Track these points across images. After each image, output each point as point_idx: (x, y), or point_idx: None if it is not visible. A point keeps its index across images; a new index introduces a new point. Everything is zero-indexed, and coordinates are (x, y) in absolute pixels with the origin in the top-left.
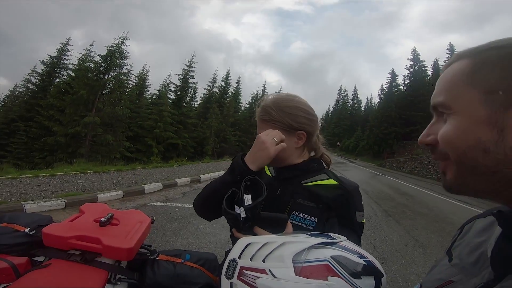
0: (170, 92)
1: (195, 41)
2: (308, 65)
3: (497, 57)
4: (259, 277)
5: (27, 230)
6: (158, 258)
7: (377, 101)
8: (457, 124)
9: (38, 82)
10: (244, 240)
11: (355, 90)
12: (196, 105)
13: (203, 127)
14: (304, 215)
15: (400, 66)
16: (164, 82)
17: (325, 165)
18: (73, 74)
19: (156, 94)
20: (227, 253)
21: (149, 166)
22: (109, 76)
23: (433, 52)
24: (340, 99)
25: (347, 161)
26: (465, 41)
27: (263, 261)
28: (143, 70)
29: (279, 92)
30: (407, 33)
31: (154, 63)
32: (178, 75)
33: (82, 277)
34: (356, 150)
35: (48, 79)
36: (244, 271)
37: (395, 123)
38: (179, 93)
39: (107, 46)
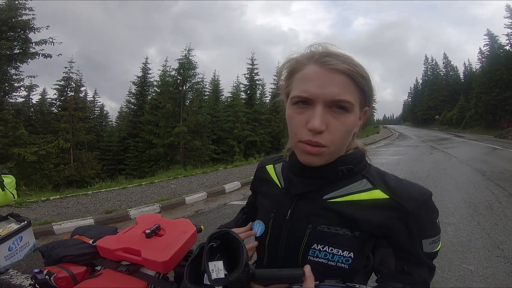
0: (241, 92)
1: (252, 38)
2: (380, 37)
3: None
4: None
5: (91, 241)
6: None
7: (478, 65)
8: None
9: (135, 101)
10: None
11: (445, 57)
12: (267, 101)
13: (276, 121)
14: (332, 250)
15: (496, 25)
16: (234, 84)
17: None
18: (158, 90)
19: (229, 96)
20: None
21: (230, 165)
22: (186, 87)
23: None
24: (428, 69)
25: (452, 136)
26: None
27: None
28: (214, 76)
29: (320, 44)
30: None
31: (222, 67)
32: (244, 74)
33: (126, 286)
34: (462, 122)
35: (141, 97)
36: None
37: (510, 86)
38: (248, 91)
39: (178, 59)
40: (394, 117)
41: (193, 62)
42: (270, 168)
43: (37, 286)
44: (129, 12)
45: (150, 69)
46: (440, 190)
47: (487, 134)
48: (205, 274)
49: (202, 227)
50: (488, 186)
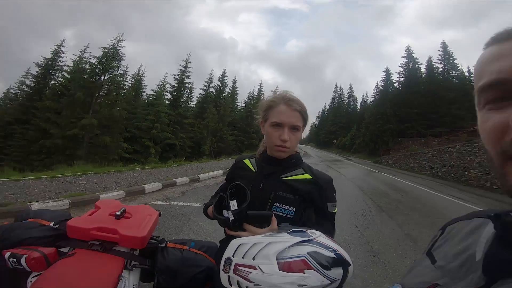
0: (166, 93)
1: (190, 40)
2: (306, 61)
3: None
4: (251, 272)
5: (51, 224)
6: (167, 246)
7: (372, 98)
8: None
9: (33, 84)
10: (235, 242)
11: (350, 87)
12: (193, 105)
13: (200, 127)
14: (284, 206)
15: (395, 63)
16: (160, 83)
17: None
18: (68, 76)
19: (152, 94)
20: (221, 242)
21: (148, 166)
22: (105, 78)
23: (428, 49)
24: (336, 96)
25: (343, 159)
26: (460, 37)
27: (253, 259)
28: (138, 71)
29: (285, 91)
30: (403, 29)
31: (149, 63)
32: (174, 75)
33: (103, 264)
34: (352, 148)
35: (43, 81)
36: (238, 267)
37: (390, 120)
38: (175, 93)
39: (103, 48)
40: (303, 138)
41: (120, 53)
42: (247, 161)
43: None
44: None
45: (63, 52)
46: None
47: (369, 160)
48: (224, 210)
49: (161, 212)
50: (364, 199)
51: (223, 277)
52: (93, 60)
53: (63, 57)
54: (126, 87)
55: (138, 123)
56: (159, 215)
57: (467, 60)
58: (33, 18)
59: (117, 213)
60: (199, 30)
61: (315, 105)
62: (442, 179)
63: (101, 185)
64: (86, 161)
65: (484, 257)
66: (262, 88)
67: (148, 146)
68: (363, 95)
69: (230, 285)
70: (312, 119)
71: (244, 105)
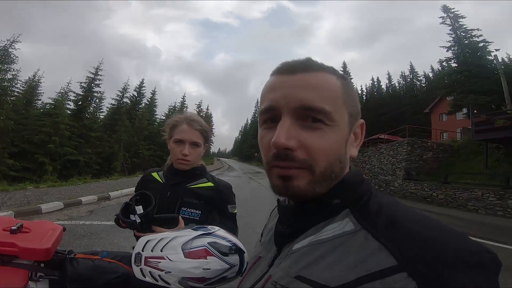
0: (68, 102)
1: (105, 45)
2: (231, 76)
3: (351, 87)
4: (160, 262)
5: None
6: (76, 257)
7: None
8: (335, 137)
9: None
10: (144, 238)
11: None
12: (102, 117)
13: (110, 141)
14: (190, 210)
15: None
16: (62, 90)
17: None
18: None
19: (50, 103)
20: (134, 248)
21: (44, 185)
22: None
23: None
24: (256, 111)
25: (263, 170)
26: (356, 57)
27: (161, 251)
28: (34, 76)
29: (189, 112)
30: (316, 49)
31: (51, 68)
32: (80, 83)
33: (4, 277)
34: None
35: None
36: (148, 259)
37: None
38: (80, 103)
39: None
40: (227, 151)
41: (12, 56)
42: (155, 174)
43: None
44: None
45: None
46: (253, 211)
47: None
48: (130, 214)
49: (65, 227)
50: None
51: (136, 270)
52: None
53: None
54: (15, 93)
55: (30, 136)
56: (64, 229)
57: (361, 79)
58: None
59: (13, 227)
60: (118, 36)
61: (239, 119)
62: None
63: None
64: None
65: (274, 233)
66: (185, 100)
67: (43, 162)
68: None
69: (144, 276)
70: (235, 133)
71: (164, 117)
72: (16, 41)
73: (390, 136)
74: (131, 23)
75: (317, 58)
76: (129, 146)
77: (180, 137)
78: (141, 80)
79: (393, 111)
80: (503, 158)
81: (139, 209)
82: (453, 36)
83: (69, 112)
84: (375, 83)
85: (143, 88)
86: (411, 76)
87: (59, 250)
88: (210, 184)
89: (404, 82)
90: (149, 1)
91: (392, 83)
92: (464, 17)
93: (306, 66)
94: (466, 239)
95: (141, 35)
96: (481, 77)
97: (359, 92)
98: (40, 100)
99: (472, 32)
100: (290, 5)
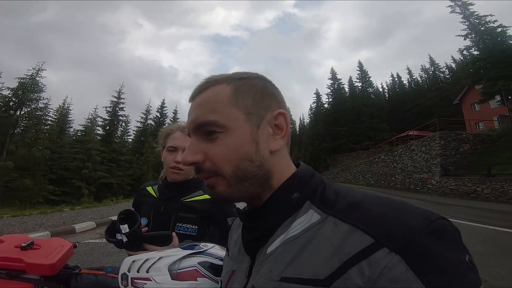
0: (97, 127)
1: (124, 68)
2: None
3: (247, 87)
4: (146, 283)
5: None
6: (80, 272)
7: (308, 120)
8: (231, 141)
9: None
10: (129, 258)
11: (288, 111)
12: (130, 140)
13: (139, 163)
14: (186, 225)
15: (324, 85)
16: (90, 116)
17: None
18: None
19: (81, 130)
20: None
21: (79, 206)
22: (22, 112)
23: (349, 69)
24: None
25: None
26: (372, 56)
27: (147, 271)
28: (64, 103)
29: (182, 121)
30: (328, 52)
31: (77, 94)
32: (106, 107)
33: None
34: None
35: None
36: (134, 280)
37: (325, 139)
38: (108, 127)
39: (18, 78)
40: None
41: (40, 84)
42: (149, 188)
43: None
44: None
45: None
46: None
47: None
48: (116, 233)
49: (77, 243)
50: None
51: None
52: (6, 92)
53: None
54: (49, 122)
55: (66, 163)
56: (74, 246)
57: (381, 77)
58: None
59: (23, 244)
60: (134, 58)
61: None
62: (375, 186)
63: (20, 227)
64: (2, 206)
65: (242, 242)
66: None
67: (79, 187)
68: (300, 118)
69: None
70: None
71: None
72: (42, 69)
73: (420, 131)
74: (145, 45)
75: (331, 61)
76: (157, 166)
77: (173, 144)
78: (162, 101)
79: (419, 106)
80: None
81: (125, 227)
82: (466, 24)
83: (98, 137)
84: (396, 79)
85: (165, 109)
86: (432, 68)
87: (69, 266)
88: (206, 196)
89: (426, 76)
90: (158, 21)
91: (414, 77)
92: (473, 4)
93: (200, 88)
94: (421, 209)
95: (156, 56)
96: (508, 62)
97: (380, 90)
98: (71, 127)
99: (485, 18)
100: (295, 11)
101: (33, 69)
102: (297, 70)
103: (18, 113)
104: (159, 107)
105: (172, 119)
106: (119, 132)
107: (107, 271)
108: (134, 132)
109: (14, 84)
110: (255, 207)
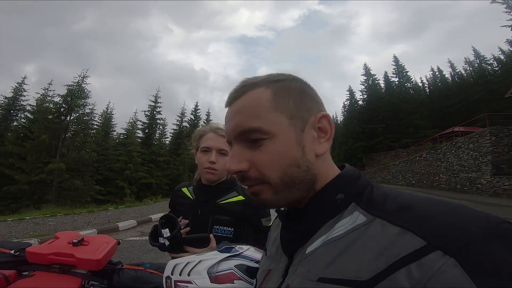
0: (137, 131)
1: (159, 72)
2: None
3: (287, 89)
4: (187, 286)
5: (12, 251)
6: (122, 267)
7: (341, 118)
8: (277, 148)
9: None
10: (172, 262)
11: None
12: (167, 142)
13: (176, 163)
14: (223, 227)
15: (357, 81)
16: (131, 120)
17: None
18: (31, 117)
19: (123, 133)
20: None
21: (122, 206)
22: (71, 118)
23: (383, 64)
24: None
25: None
26: (409, 49)
27: (188, 275)
28: (107, 108)
29: (215, 122)
30: (359, 47)
31: (117, 99)
32: (145, 111)
33: (61, 283)
34: None
35: (4, 123)
36: (178, 283)
37: (360, 137)
38: (147, 130)
39: (67, 85)
40: None
41: (85, 90)
42: (185, 189)
43: None
44: (20, 20)
45: (25, 90)
46: None
47: None
48: (159, 237)
49: (120, 240)
50: None
51: None
52: (57, 99)
53: (25, 96)
54: (95, 126)
55: (110, 165)
56: (118, 243)
57: (419, 71)
58: None
59: (75, 241)
60: (168, 62)
61: None
62: (416, 187)
63: (71, 225)
64: (56, 205)
65: (280, 241)
66: None
67: (122, 187)
68: (333, 116)
69: None
70: None
71: None
72: (86, 76)
73: (466, 127)
74: (177, 49)
75: (363, 56)
76: (192, 167)
77: (207, 144)
78: (195, 103)
79: (464, 100)
80: None
81: (166, 232)
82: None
83: (139, 140)
84: (437, 73)
85: (199, 111)
86: (477, 61)
87: (112, 261)
88: (240, 198)
89: (471, 68)
90: (187, 25)
91: (457, 70)
92: None
93: (238, 93)
94: (483, 213)
95: (188, 60)
96: None
97: (420, 84)
98: (114, 131)
99: None
100: (321, 8)
101: (79, 76)
102: (327, 67)
103: (68, 119)
104: (193, 109)
105: (205, 121)
106: (157, 135)
107: (145, 267)
108: (171, 134)
109: (63, 91)
110: (295, 208)
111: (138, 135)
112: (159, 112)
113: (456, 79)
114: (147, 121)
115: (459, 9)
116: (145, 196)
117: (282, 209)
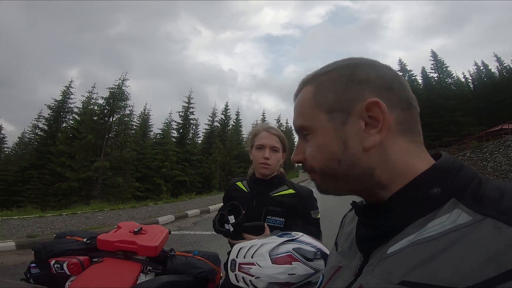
0: (172, 130)
1: (190, 74)
2: None
3: (328, 82)
4: (251, 268)
5: (84, 239)
6: (175, 254)
7: None
8: (316, 142)
9: (46, 128)
10: (237, 246)
11: None
12: (200, 141)
13: (208, 162)
14: (275, 218)
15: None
16: (166, 121)
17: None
18: (79, 118)
19: (159, 133)
20: (228, 253)
21: (160, 202)
22: (114, 119)
23: (420, 59)
24: None
25: None
26: (448, 43)
27: (251, 257)
28: (144, 109)
29: (266, 122)
30: (393, 42)
31: (153, 100)
32: (179, 112)
33: (125, 268)
34: None
35: (55, 124)
36: (242, 265)
37: None
38: (181, 130)
39: (109, 88)
40: None
41: (125, 93)
42: (239, 183)
43: (31, 280)
44: (58, 25)
45: (72, 94)
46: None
47: None
48: (224, 224)
49: (170, 230)
50: None
51: (232, 276)
52: (100, 101)
53: (72, 99)
54: (134, 127)
55: (148, 163)
56: (169, 232)
57: (461, 66)
58: (33, 57)
59: (135, 230)
60: (197, 64)
61: None
62: None
63: (117, 219)
64: (101, 201)
65: (355, 237)
66: (265, 117)
67: (159, 184)
68: None
69: (237, 282)
70: None
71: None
72: (126, 79)
73: None
74: (205, 50)
75: (397, 52)
76: (223, 166)
77: (261, 142)
78: (225, 104)
79: None
80: None
81: (231, 218)
82: None
83: (174, 139)
84: (481, 68)
85: (229, 111)
86: None
87: (165, 249)
88: (291, 191)
89: None
90: (213, 27)
91: (505, 64)
92: None
93: (296, 92)
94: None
95: (216, 60)
96: None
97: (463, 80)
98: (151, 131)
99: None
100: (349, 3)
101: (119, 79)
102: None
103: (111, 120)
104: (223, 109)
105: (235, 120)
106: (190, 134)
107: (194, 254)
108: (203, 133)
109: (105, 93)
110: (373, 202)
111: (173, 134)
112: (192, 113)
113: (504, 73)
114: (181, 122)
115: (502, 1)
116: (180, 193)
117: (359, 201)
